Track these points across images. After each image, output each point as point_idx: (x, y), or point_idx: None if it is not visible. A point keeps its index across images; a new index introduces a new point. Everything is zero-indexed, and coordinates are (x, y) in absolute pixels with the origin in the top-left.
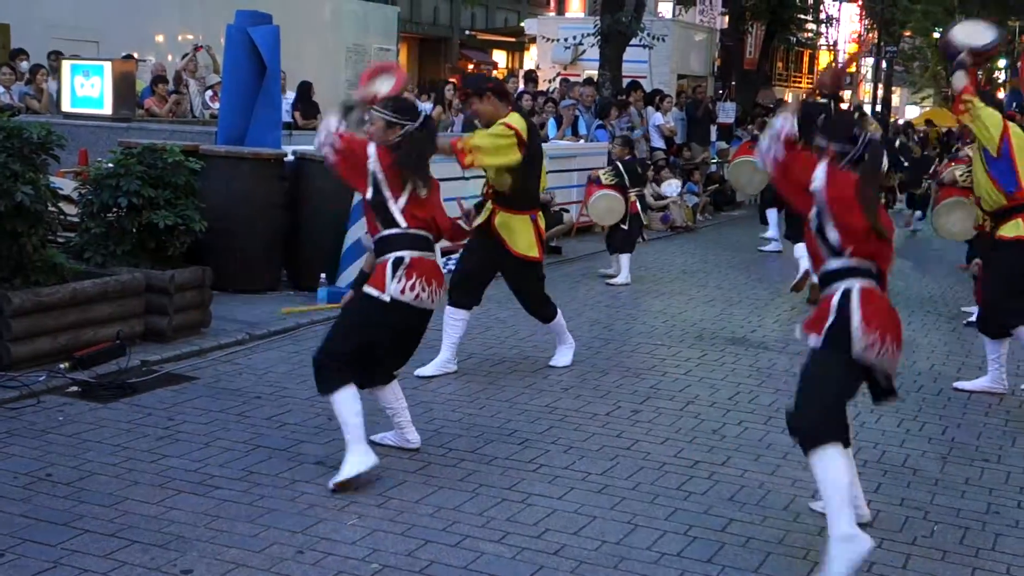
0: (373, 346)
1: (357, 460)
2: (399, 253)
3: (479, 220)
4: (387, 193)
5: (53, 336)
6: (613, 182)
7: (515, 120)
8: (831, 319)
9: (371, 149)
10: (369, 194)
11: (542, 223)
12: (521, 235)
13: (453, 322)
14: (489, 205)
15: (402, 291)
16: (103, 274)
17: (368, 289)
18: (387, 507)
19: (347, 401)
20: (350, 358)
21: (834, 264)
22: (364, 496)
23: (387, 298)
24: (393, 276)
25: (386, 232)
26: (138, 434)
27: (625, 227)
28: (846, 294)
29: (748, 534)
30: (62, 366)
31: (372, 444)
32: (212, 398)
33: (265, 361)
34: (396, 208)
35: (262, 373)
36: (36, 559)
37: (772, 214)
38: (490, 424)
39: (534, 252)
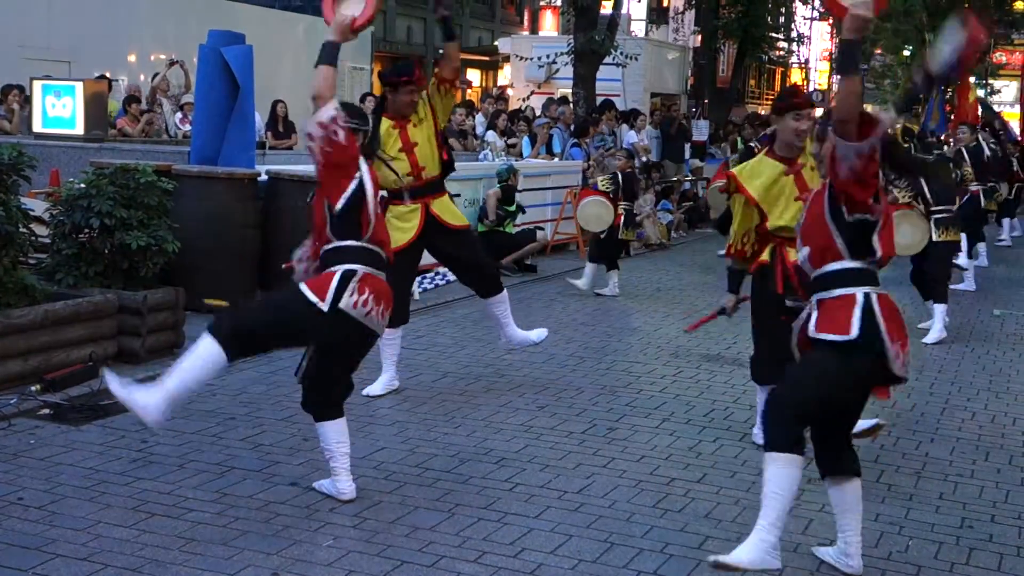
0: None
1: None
2: (351, 266)
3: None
4: (369, 200)
5: (24, 358)
6: (608, 189)
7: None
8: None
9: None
10: (343, 201)
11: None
12: (452, 210)
13: (391, 342)
14: (413, 206)
15: (354, 304)
16: (75, 295)
17: (307, 292)
18: (362, 528)
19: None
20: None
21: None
22: (339, 517)
23: (326, 307)
24: (345, 289)
25: (344, 243)
26: (111, 457)
27: (603, 237)
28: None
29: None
30: (33, 388)
31: (309, 494)
32: (186, 420)
33: (239, 382)
34: (372, 216)
35: (236, 394)
36: None
37: None
38: (465, 443)
39: (464, 220)
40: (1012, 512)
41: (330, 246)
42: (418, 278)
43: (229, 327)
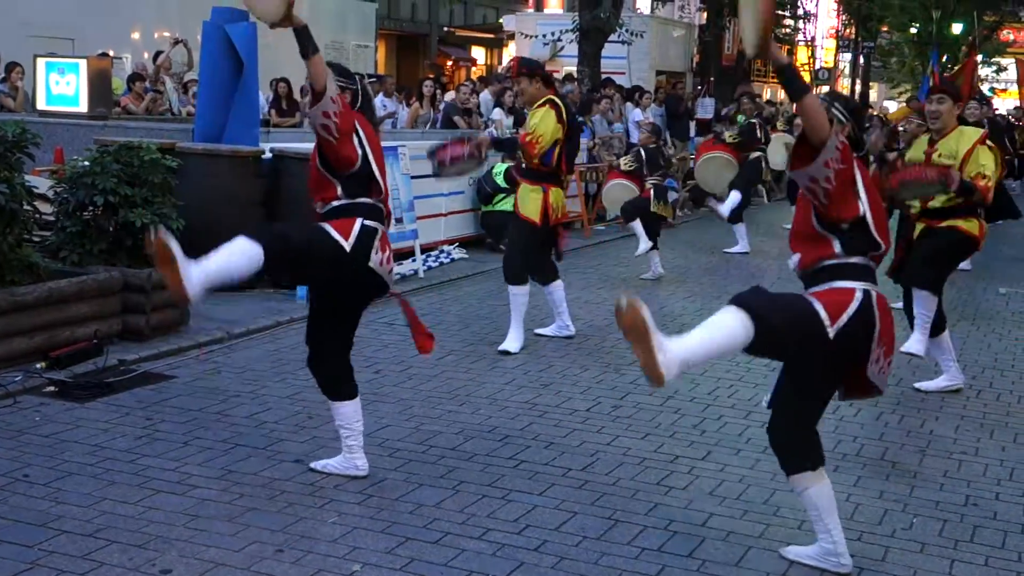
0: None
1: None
2: (369, 222)
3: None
4: (372, 161)
5: (29, 336)
6: (631, 167)
7: (553, 102)
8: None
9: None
10: (358, 164)
11: (554, 199)
12: (529, 201)
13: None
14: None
15: (380, 263)
16: (80, 273)
17: (332, 231)
18: (367, 505)
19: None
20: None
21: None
22: (344, 494)
23: (348, 247)
24: (371, 244)
25: (359, 200)
26: (116, 434)
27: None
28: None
29: (728, 528)
30: (39, 366)
31: (314, 472)
32: (190, 397)
33: (243, 359)
34: (379, 176)
35: (240, 371)
36: (13, 560)
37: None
38: (470, 421)
39: (535, 216)
40: (1016, 490)
41: (340, 203)
42: (423, 256)
43: (269, 230)
